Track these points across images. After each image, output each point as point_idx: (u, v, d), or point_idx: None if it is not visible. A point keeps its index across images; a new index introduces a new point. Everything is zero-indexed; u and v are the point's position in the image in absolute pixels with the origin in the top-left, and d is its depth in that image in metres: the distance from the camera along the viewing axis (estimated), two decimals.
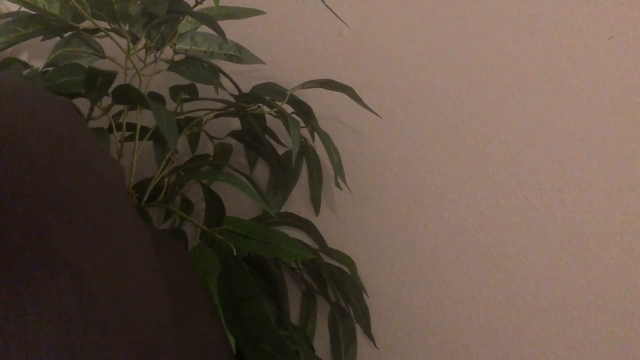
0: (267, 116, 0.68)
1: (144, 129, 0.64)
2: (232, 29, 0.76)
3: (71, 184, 0.30)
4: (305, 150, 0.74)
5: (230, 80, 0.69)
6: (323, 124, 0.75)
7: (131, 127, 0.64)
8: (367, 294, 0.74)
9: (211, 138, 0.75)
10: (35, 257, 0.26)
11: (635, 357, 0.65)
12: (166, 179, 0.66)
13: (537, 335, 0.69)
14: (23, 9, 0.57)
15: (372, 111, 0.68)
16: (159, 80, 0.68)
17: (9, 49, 0.72)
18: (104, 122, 0.62)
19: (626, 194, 0.66)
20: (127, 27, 0.61)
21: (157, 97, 0.67)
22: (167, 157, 0.64)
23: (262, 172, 0.79)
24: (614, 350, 0.66)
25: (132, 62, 0.61)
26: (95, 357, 0.26)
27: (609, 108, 0.66)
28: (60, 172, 0.30)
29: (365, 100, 0.67)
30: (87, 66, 0.56)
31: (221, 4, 0.65)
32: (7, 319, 0.23)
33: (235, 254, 0.53)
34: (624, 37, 0.65)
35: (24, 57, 0.80)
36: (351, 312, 0.73)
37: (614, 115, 0.66)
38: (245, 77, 0.78)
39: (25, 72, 0.57)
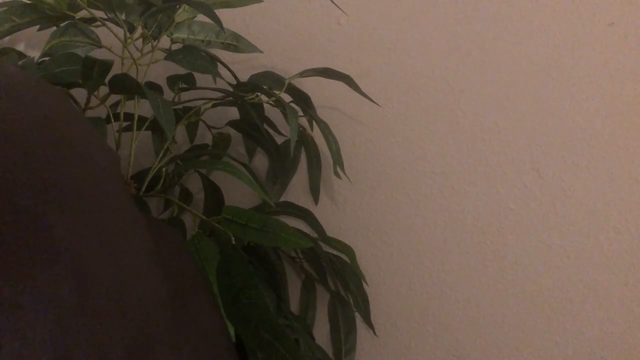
0: (265, 105, 0.68)
1: (142, 119, 0.64)
2: (230, 17, 0.76)
3: (67, 173, 0.30)
4: (304, 139, 0.73)
5: (228, 69, 0.69)
6: (321, 113, 0.75)
7: (129, 117, 0.64)
8: (366, 283, 0.74)
9: (209, 128, 0.74)
10: (30, 246, 0.26)
11: (632, 344, 0.65)
12: (165, 169, 0.66)
13: (536, 323, 0.69)
14: None
15: (370, 99, 0.68)
16: (156, 69, 0.68)
17: (5, 39, 0.72)
18: (101, 112, 0.62)
19: (626, 181, 0.65)
20: (123, 16, 0.61)
21: (154, 87, 0.67)
22: (165, 147, 0.64)
23: (260, 161, 0.79)
24: (611, 337, 0.66)
25: (129, 52, 0.61)
26: (91, 345, 0.26)
27: (608, 95, 0.66)
28: (56, 161, 0.30)
29: (363, 88, 0.66)
30: (83, 56, 0.56)
31: None
32: (1, 309, 0.23)
33: (234, 243, 0.53)
34: (624, 23, 0.65)
35: (20, 47, 0.79)
36: (351, 300, 0.73)
37: (613, 102, 0.66)
38: (243, 66, 0.77)
39: (21, 62, 0.57)
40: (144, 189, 0.62)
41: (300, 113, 0.68)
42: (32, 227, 0.27)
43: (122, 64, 0.62)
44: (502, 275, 0.70)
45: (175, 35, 0.64)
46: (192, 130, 0.72)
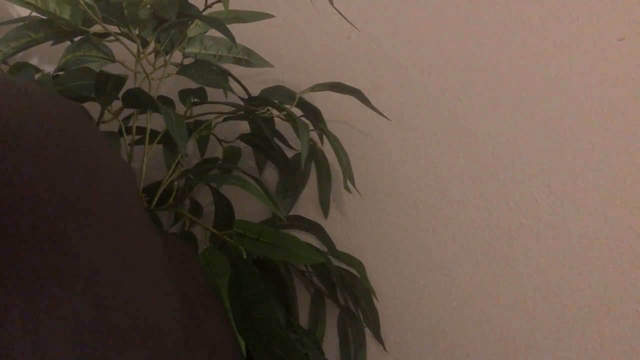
0: (276, 119, 0.68)
1: (154, 133, 0.64)
2: (241, 32, 0.76)
3: (85, 188, 0.30)
4: (314, 153, 0.74)
5: (239, 83, 0.69)
6: (332, 127, 0.75)
7: (141, 130, 0.65)
8: (376, 298, 0.74)
9: (220, 141, 0.75)
10: (48, 262, 0.26)
11: None
12: (176, 182, 0.66)
13: (548, 338, 0.68)
14: (34, 13, 0.57)
15: (381, 114, 0.68)
16: (168, 83, 0.68)
17: (21, 54, 0.72)
18: (114, 126, 0.63)
19: (637, 196, 0.65)
20: (136, 31, 0.61)
21: (166, 101, 0.67)
22: (176, 161, 0.64)
23: (271, 175, 0.79)
24: (625, 353, 0.65)
25: (141, 66, 0.61)
26: None
27: (619, 110, 0.66)
28: (74, 176, 0.30)
29: (374, 102, 0.67)
30: (97, 70, 0.56)
31: (230, 7, 0.65)
32: (20, 324, 0.23)
33: (245, 257, 0.53)
34: (634, 38, 0.65)
35: (35, 61, 0.80)
36: (360, 315, 0.72)
37: (624, 117, 0.65)
38: (254, 81, 0.78)
39: (36, 76, 0.57)
40: (155, 202, 0.62)
41: (311, 127, 0.68)
42: (51, 241, 0.27)
43: (135, 78, 0.62)
44: (513, 290, 0.70)
45: (187, 50, 0.65)
46: (203, 143, 0.72)
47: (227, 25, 0.58)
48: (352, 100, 0.69)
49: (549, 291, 0.68)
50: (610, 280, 0.66)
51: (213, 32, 0.65)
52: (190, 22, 0.64)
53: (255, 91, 0.69)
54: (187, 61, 0.66)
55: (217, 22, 0.58)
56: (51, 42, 0.63)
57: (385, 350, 0.74)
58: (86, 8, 0.57)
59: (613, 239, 0.66)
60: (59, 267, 0.26)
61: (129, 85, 0.57)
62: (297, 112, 0.66)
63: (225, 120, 0.68)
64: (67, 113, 0.34)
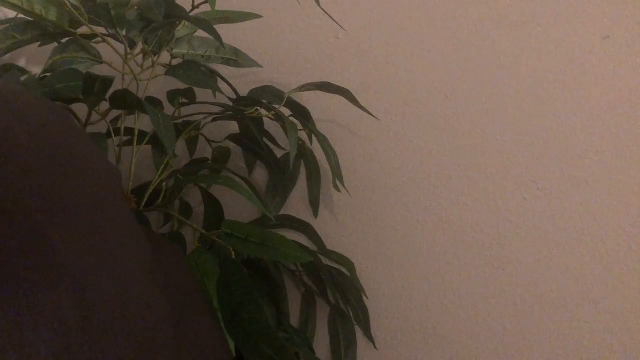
0: (265, 119, 0.68)
1: (142, 134, 0.64)
2: (229, 33, 0.77)
3: (69, 191, 0.30)
4: (303, 153, 0.74)
5: (228, 83, 0.69)
6: (321, 127, 0.76)
7: (129, 131, 0.65)
8: (366, 296, 0.74)
9: (209, 142, 0.75)
10: (33, 264, 0.26)
11: (634, 356, 0.65)
12: (165, 183, 0.66)
13: (537, 335, 0.69)
14: (20, 15, 0.57)
15: (369, 113, 0.68)
16: (156, 84, 0.68)
17: (8, 55, 0.72)
18: (102, 127, 0.62)
19: (624, 193, 0.66)
20: (124, 33, 0.61)
21: (154, 102, 0.67)
22: (165, 161, 0.64)
23: (260, 175, 0.79)
24: (613, 350, 0.66)
25: (129, 67, 0.61)
26: None
27: (605, 108, 0.66)
28: (58, 179, 0.30)
29: (362, 102, 0.67)
30: (84, 72, 0.56)
31: (218, 8, 0.65)
32: (5, 327, 0.23)
33: (234, 257, 0.53)
34: (619, 36, 0.65)
35: (21, 63, 0.80)
36: (351, 313, 0.73)
37: (610, 115, 0.66)
38: (243, 81, 0.78)
39: (23, 78, 0.57)
40: (144, 203, 0.62)
41: (300, 127, 0.68)
42: (35, 244, 0.27)
43: (123, 79, 0.62)
44: (502, 288, 0.70)
45: (175, 51, 0.65)
46: (192, 144, 0.72)
47: (215, 26, 0.58)
48: (340, 99, 0.69)
49: (537, 288, 0.69)
50: (599, 277, 0.66)
51: (201, 33, 0.65)
52: (177, 23, 0.64)
53: (243, 91, 0.69)
54: (175, 62, 0.66)
55: (204, 23, 0.58)
56: (38, 43, 0.62)
57: (376, 348, 0.75)
58: (72, 9, 0.57)
59: (600, 236, 0.66)
60: (44, 268, 0.26)
61: (117, 86, 0.57)
62: (286, 112, 0.66)
63: (214, 120, 0.68)
64: (52, 115, 0.34)
